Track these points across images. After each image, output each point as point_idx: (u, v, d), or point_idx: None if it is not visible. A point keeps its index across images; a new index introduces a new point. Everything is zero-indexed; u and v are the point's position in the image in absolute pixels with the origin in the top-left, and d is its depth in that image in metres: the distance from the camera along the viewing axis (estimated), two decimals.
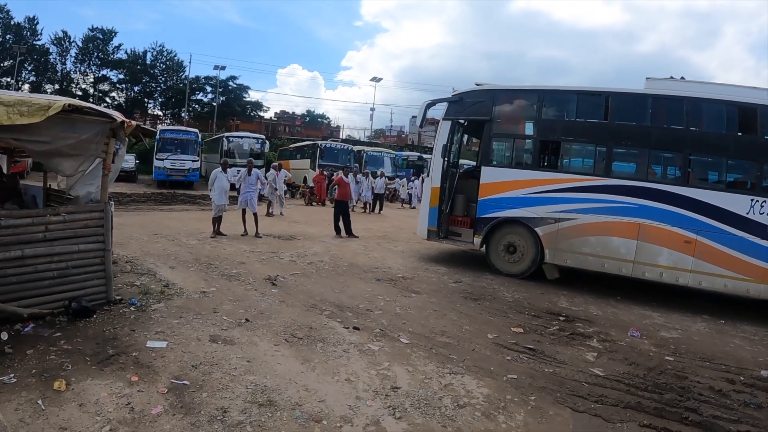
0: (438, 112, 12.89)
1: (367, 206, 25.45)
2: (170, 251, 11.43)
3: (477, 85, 12.76)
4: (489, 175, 12.14)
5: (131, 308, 7.22)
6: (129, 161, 37.63)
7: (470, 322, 8.06)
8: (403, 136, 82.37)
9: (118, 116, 6.96)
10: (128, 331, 6.38)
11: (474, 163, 16.00)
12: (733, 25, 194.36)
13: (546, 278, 11.52)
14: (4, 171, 9.98)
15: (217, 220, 14.09)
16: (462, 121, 12.97)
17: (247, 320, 7.10)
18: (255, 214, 14.79)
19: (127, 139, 7.56)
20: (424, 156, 47.00)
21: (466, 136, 15.22)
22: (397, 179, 34.92)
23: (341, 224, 15.89)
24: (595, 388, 5.88)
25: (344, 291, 9.24)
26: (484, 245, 12.17)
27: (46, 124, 5.96)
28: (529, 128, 12.30)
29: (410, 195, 32.35)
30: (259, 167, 33.61)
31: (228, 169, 14.60)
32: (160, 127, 37.99)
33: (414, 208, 30.67)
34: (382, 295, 9.21)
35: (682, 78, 11.32)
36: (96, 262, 7.13)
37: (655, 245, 10.51)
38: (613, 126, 11.09)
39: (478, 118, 12.45)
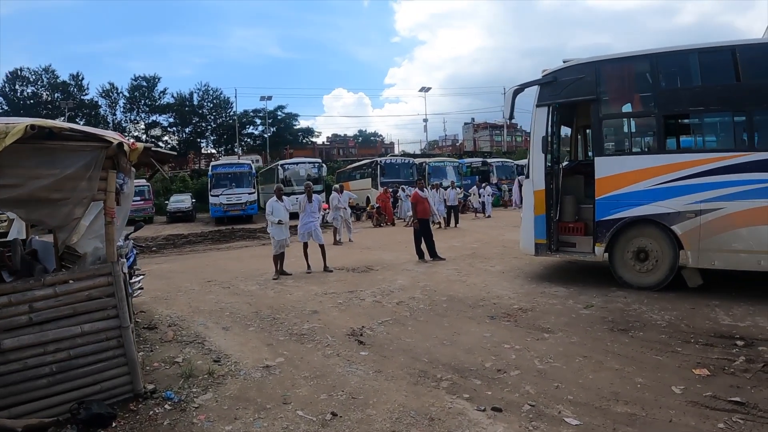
0: (527, 100, 10.51)
1: (442, 221, 22.96)
2: (225, 304, 9.32)
3: (565, 62, 10.34)
4: (605, 167, 9.69)
5: (167, 406, 5.01)
6: (185, 201, 37.13)
7: (638, 369, 5.73)
8: (458, 144, 79.75)
9: (116, 137, 4.80)
10: None
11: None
12: None
13: (680, 286, 9.19)
14: None
15: (278, 258, 11.93)
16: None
17: (333, 414, 4.74)
18: (322, 246, 12.59)
19: (133, 169, 5.36)
20: (488, 161, 44.70)
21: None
22: (473, 188, 32.00)
23: (424, 246, 13.47)
24: None
25: (456, 341, 6.81)
26: (607, 254, 9.76)
27: (9, 159, 4.00)
28: (647, 103, 9.89)
29: (483, 204, 29.81)
30: (318, 192, 32.39)
31: (284, 197, 12.43)
32: (212, 163, 36.52)
33: (489, 216, 28.29)
34: (507, 341, 6.75)
35: None
36: (111, 345, 4.99)
37: None
38: (748, 86, 8.78)
39: (581, 99, 10.07)
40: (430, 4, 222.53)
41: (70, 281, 4.80)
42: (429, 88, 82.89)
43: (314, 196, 12.89)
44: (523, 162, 46.30)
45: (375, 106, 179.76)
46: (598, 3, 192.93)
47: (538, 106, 10.23)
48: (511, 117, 10.35)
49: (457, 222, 23.66)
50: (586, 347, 6.47)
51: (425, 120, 74.43)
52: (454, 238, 18.28)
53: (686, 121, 10.11)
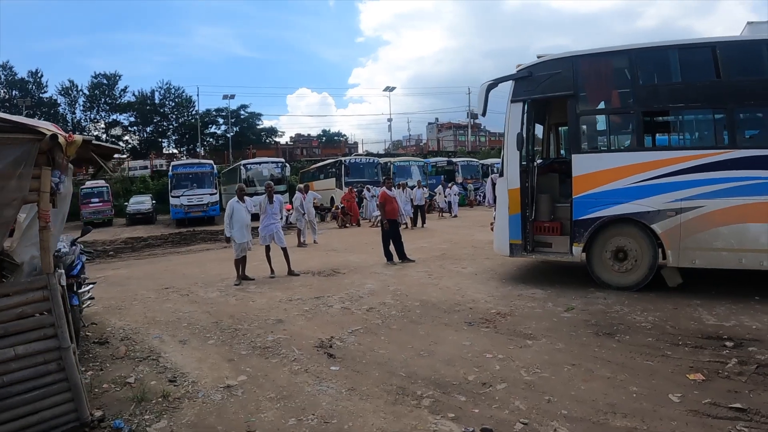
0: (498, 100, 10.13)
1: (409, 221, 22.46)
2: (183, 313, 8.65)
3: (539, 57, 9.98)
4: (583, 164, 9.36)
5: None
6: (145, 202, 36.22)
7: (631, 376, 5.39)
8: (422, 144, 79.53)
9: (50, 129, 4.17)
10: None
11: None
12: None
13: (660, 286, 8.99)
14: None
15: (240, 263, 11.28)
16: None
17: None
18: (284, 249, 12.00)
19: (71, 166, 4.71)
20: (454, 160, 44.48)
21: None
22: (439, 187, 31.62)
23: (392, 248, 12.97)
24: None
25: (434, 352, 6.30)
26: (584, 254, 9.45)
27: None
28: (625, 99, 9.62)
29: (449, 203, 29.48)
30: (281, 193, 31.66)
31: (246, 198, 11.70)
32: (172, 163, 35.51)
33: (456, 216, 27.95)
34: (489, 349, 6.29)
35: None
36: (51, 369, 4.36)
37: None
38: (728, 83, 8.66)
39: (558, 94, 9.71)
40: (394, 4, 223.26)
41: None
42: (393, 88, 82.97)
43: (276, 196, 12.25)
44: (489, 161, 46.89)
45: (339, 106, 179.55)
46: (562, 5, 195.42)
47: (512, 101, 9.86)
48: (484, 113, 9.88)
49: (423, 222, 23.27)
50: (573, 354, 6.08)
51: (389, 120, 74.65)
52: (422, 239, 17.83)
53: (666, 118, 9.84)
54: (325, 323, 7.68)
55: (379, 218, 23.09)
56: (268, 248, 11.92)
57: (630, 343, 6.41)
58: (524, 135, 9.70)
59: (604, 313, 7.75)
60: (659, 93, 9.31)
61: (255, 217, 12.16)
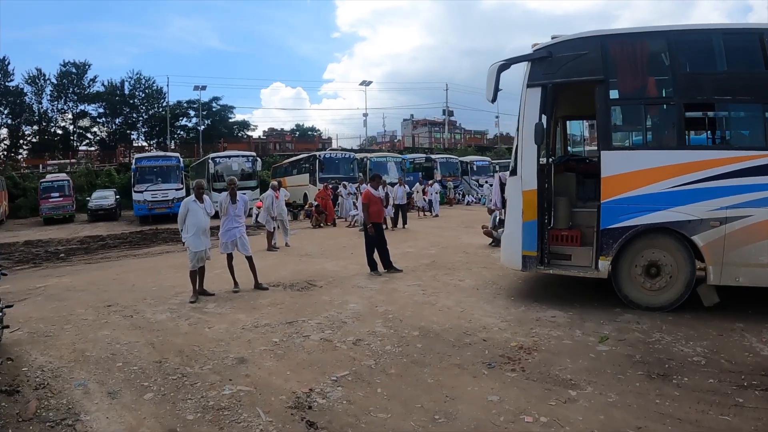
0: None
1: (389, 222, 20.66)
2: (121, 346, 6.82)
3: (553, 38, 8.40)
4: (614, 163, 7.82)
5: None
6: (109, 197, 34.38)
7: None
8: (397, 141, 77.95)
9: None
10: None
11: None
12: None
13: (687, 306, 7.67)
14: None
15: (197, 275, 9.44)
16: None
17: None
18: (250, 259, 10.12)
19: None
20: (432, 157, 43.05)
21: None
22: (417, 185, 29.86)
23: (377, 255, 11.29)
24: None
25: (454, 415, 4.60)
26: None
27: None
28: (665, 88, 8.18)
29: (430, 202, 27.89)
30: (252, 189, 29.82)
31: (206, 197, 9.72)
32: (136, 155, 33.38)
33: (437, 216, 26.40)
34: (524, 408, 4.66)
35: None
36: None
37: None
38: None
39: (584, 79, 8.13)
40: (372, 0, 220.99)
41: None
42: (370, 82, 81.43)
43: (240, 195, 10.29)
44: (468, 159, 45.46)
45: (313, 102, 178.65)
46: (538, 6, 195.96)
47: (529, 86, 8.22)
48: (494, 98, 8.24)
49: (405, 222, 21.50)
50: (633, 410, 4.61)
51: (365, 115, 72.12)
52: (406, 242, 16.14)
53: (712, 113, 8.45)
54: (301, 365, 5.92)
55: (356, 218, 21.49)
56: (230, 257, 10.09)
57: (692, 388, 5.08)
58: (544, 125, 8.10)
59: (645, 344, 6.31)
60: (703, 83, 7.85)
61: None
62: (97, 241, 21.32)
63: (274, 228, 15.85)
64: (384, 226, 11.98)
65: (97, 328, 7.75)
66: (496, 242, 14.40)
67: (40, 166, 51.26)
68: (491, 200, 36.17)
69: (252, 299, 9.11)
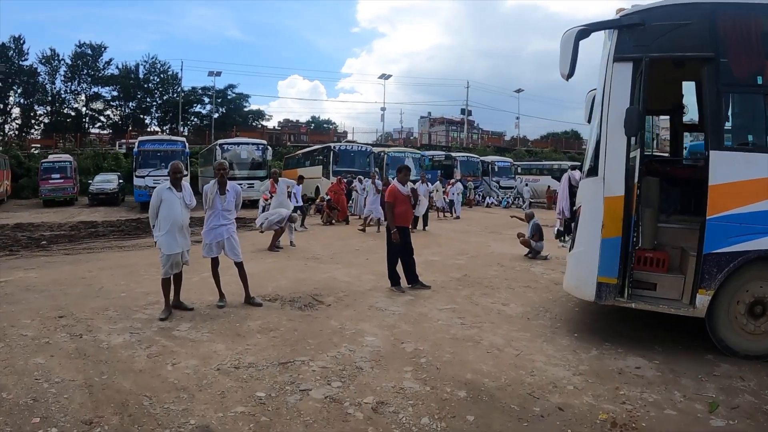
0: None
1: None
2: (49, 386, 4.85)
3: (618, 11, 6.47)
4: (729, 167, 5.84)
5: None
6: (112, 181, 32.77)
7: None
8: (412, 138, 75.84)
9: None
10: None
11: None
12: None
13: None
14: None
15: (170, 285, 7.38)
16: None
17: None
18: (239, 265, 7.99)
19: None
20: (453, 154, 40.95)
21: None
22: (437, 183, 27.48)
23: (400, 267, 9.24)
24: None
25: None
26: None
27: None
28: None
29: (451, 202, 25.78)
30: (260, 179, 27.83)
31: (185, 184, 7.53)
32: (139, 138, 31.51)
33: (458, 218, 24.35)
34: None
35: None
36: None
37: None
38: None
39: (688, 55, 6.28)
40: None
41: None
42: (389, 76, 79.22)
43: (230, 185, 8.01)
44: (489, 159, 43.24)
45: (330, 95, 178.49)
46: (560, 9, 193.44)
47: (617, 60, 6.19)
48: (572, 72, 6.19)
49: (426, 224, 19.37)
50: None
51: (383, 109, 70.13)
52: (428, 248, 14.01)
53: None
54: None
55: (372, 217, 19.42)
56: (215, 262, 8.01)
57: None
58: (639, 111, 6.02)
59: (764, 413, 4.66)
60: None
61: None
62: (88, 228, 19.49)
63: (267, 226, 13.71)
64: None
65: (33, 351, 5.80)
66: (533, 254, 12.51)
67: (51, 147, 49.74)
68: (525, 202, 34.06)
69: (239, 320, 7.04)
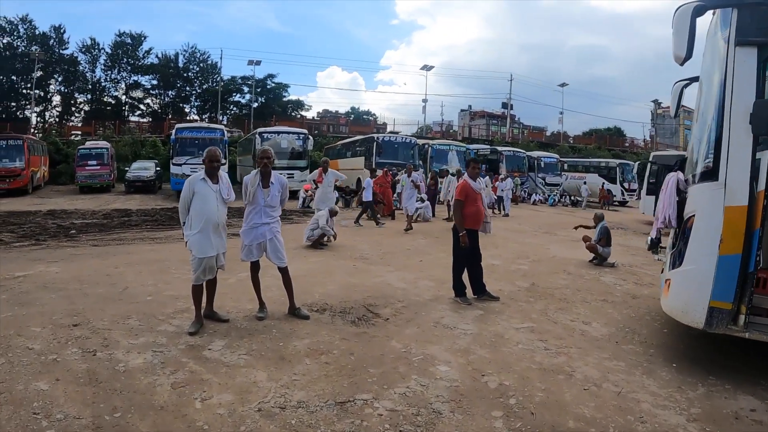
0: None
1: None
2: (48, 425, 3.83)
3: None
4: None
5: None
6: (149, 169, 32.44)
7: None
8: (452, 131, 74.25)
9: None
10: None
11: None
12: None
13: None
14: None
15: (202, 292, 6.29)
16: None
17: None
18: (284, 271, 6.81)
19: None
20: (499, 149, 39.46)
21: None
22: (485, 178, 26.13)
23: (466, 275, 8.04)
24: None
25: None
26: None
27: None
28: None
29: (500, 198, 24.41)
30: (301, 170, 26.87)
31: (223, 175, 6.36)
32: (177, 125, 30.75)
33: (507, 215, 22.94)
34: None
35: None
36: None
37: None
38: None
39: None
40: None
41: None
42: (431, 67, 77.41)
43: (275, 176, 6.75)
44: (535, 154, 41.56)
45: (369, 87, 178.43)
46: (602, 5, 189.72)
47: (739, 44, 4.97)
48: (690, 54, 4.95)
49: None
50: None
51: (425, 101, 68.62)
52: (486, 250, 12.48)
53: None
54: None
55: (419, 213, 18.24)
56: (255, 266, 6.85)
57: None
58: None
59: None
60: None
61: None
62: (122, 216, 18.73)
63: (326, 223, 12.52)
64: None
65: (36, 371, 4.80)
66: (599, 260, 11.37)
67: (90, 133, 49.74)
68: (582, 203, 32.29)
69: (282, 338, 5.91)
